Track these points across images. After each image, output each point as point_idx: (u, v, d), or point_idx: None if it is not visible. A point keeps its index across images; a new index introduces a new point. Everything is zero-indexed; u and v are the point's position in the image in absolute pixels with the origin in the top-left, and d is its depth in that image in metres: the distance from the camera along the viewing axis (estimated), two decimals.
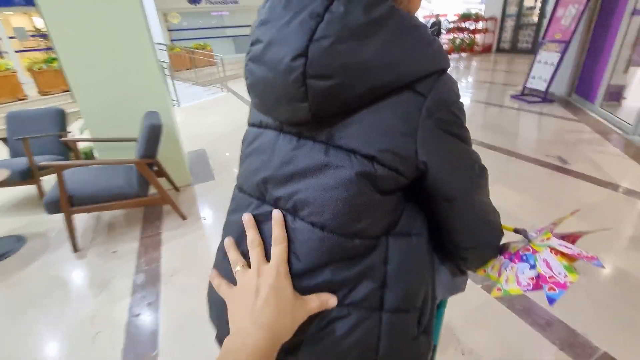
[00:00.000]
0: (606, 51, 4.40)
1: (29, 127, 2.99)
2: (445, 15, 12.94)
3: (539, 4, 10.12)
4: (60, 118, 3.12)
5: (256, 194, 0.54)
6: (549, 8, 5.57)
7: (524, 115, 4.79)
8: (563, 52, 4.83)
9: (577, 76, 5.23)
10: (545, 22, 5.51)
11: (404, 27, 0.42)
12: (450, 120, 0.45)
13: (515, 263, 0.56)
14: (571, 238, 0.61)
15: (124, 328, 1.64)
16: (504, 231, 0.60)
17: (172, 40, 13.98)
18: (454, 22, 12.01)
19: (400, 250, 0.50)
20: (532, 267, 0.54)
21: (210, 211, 2.70)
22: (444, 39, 11.89)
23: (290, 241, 0.49)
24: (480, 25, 11.54)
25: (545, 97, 5.12)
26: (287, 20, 0.42)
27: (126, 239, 2.37)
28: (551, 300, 0.49)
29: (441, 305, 0.76)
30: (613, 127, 3.96)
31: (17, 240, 2.40)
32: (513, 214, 2.35)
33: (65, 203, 2.09)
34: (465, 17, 11.64)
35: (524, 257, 0.56)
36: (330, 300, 0.47)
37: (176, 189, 2.99)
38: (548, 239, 0.58)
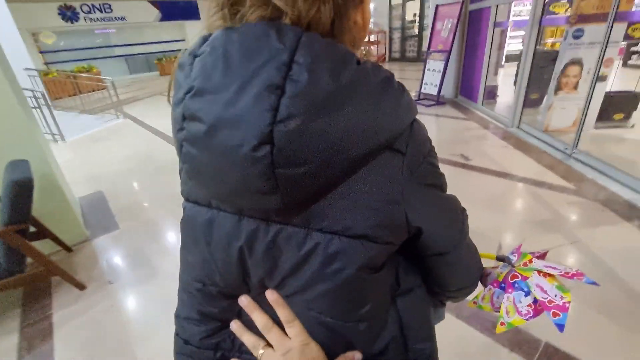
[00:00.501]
0: (479, 57, 5.15)
1: None
2: None
3: (418, 18, 11.51)
4: None
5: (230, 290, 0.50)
6: (427, 21, 6.31)
7: (424, 118, 5.28)
8: (446, 60, 5.49)
9: (460, 80, 6.02)
10: (425, 34, 6.23)
11: (376, 85, 0.37)
12: (428, 171, 0.44)
13: (509, 293, 0.56)
14: (541, 255, 0.63)
15: None
16: (487, 259, 0.63)
17: (46, 63, 12.03)
18: None
19: (412, 310, 0.51)
20: (527, 293, 0.54)
21: (118, 270, 2.24)
22: None
23: None
24: (372, 37, 12.60)
25: (438, 100, 5.75)
26: (233, 93, 0.34)
27: None
28: (561, 327, 0.49)
29: None
30: (495, 122, 4.61)
31: None
32: None
33: None
34: None
35: (516, 285, 0.56)
36: (355, 356, 0.47)
37: (67, 249, 2.42)
38: (530, 261, 0.58)
